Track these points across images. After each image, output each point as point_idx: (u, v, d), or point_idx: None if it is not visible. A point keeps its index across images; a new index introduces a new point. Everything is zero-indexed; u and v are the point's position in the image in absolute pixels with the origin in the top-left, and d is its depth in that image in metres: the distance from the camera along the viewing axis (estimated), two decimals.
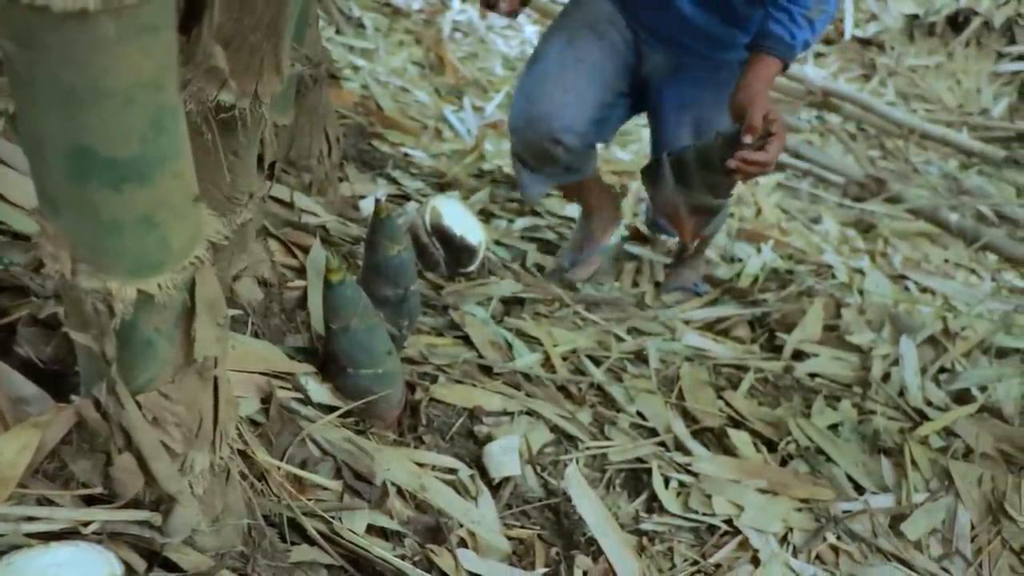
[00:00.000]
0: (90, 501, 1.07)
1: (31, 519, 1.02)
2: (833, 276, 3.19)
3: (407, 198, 2.72)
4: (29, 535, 1.01)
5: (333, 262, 1.50)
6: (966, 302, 3.24)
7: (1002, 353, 2.64)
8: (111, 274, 0.89)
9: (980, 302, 3.19)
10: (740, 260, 3.14)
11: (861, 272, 3.28)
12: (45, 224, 0.87)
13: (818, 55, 6.31)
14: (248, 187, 1.40)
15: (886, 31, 6.51)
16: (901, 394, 2.32)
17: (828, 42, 6.43)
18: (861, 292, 3.06)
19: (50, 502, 1.05)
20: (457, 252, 2.26)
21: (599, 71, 2.42)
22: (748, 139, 2.06)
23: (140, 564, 1.06)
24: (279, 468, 1.40)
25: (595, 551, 1.54)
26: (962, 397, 2.39)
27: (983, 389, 2.41)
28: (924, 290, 3.42)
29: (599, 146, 2.64)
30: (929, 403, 2.29)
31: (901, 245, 3.97)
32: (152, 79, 0.79)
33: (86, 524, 1.03)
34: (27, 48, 0.73)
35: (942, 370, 2.52)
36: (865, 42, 6.50)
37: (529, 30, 5.71)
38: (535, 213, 3.01)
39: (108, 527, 1.04)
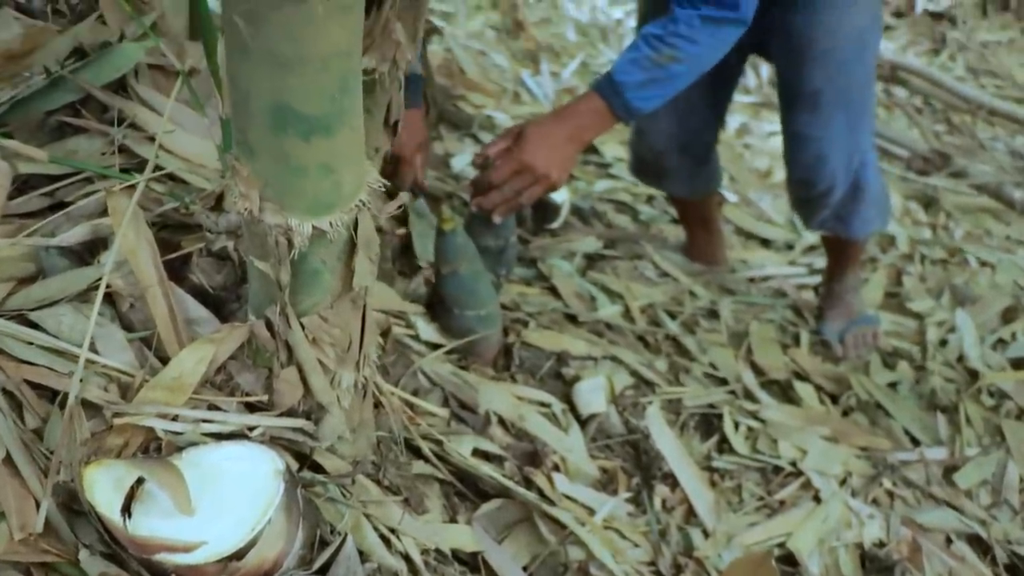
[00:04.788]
0: (251, 409, 1.24)
1: (206, 421, 1.19)
2: (895, 246, 3.29)
3: None
4: (205, 434, 1.19)
5: (447, 212, 1.66)
6: None
7: None
8: (292, 212, 1.05)
9: None
10: None
11: (924, 243, 3.37)
12: (240, 167, 1.04)
13: (887, 28, 6.31)
14: (376, 142, 1.56)
15: (959, 5, 6.48)
16: (960, 360, 2.44)
17: (899, 15, 6.42)
18: (923, 261, 3.16)
19: (218, 408, 1.22)
20: (543, 209, 2.42)
21: None
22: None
23: (294, 465, 1.24)
24: (394, 394, 1.57)
25: (672, 482, 1.70)
26: (1018, 364, 2.50)
27: None
28: (983, 264, 3.49)
29: None
30: (988, 366, 2.40)
31: (963, 220, 4.03)
32: (344, 49, 0.95)
33: (251, 428, 1.21)
34: (253, 23, 0.90)
35: (1000, 341, 2.62)
36: (937, 16, 6.47)
37: None
38: (612, 176, 3.15)
39: (270, 431, 1.21)
